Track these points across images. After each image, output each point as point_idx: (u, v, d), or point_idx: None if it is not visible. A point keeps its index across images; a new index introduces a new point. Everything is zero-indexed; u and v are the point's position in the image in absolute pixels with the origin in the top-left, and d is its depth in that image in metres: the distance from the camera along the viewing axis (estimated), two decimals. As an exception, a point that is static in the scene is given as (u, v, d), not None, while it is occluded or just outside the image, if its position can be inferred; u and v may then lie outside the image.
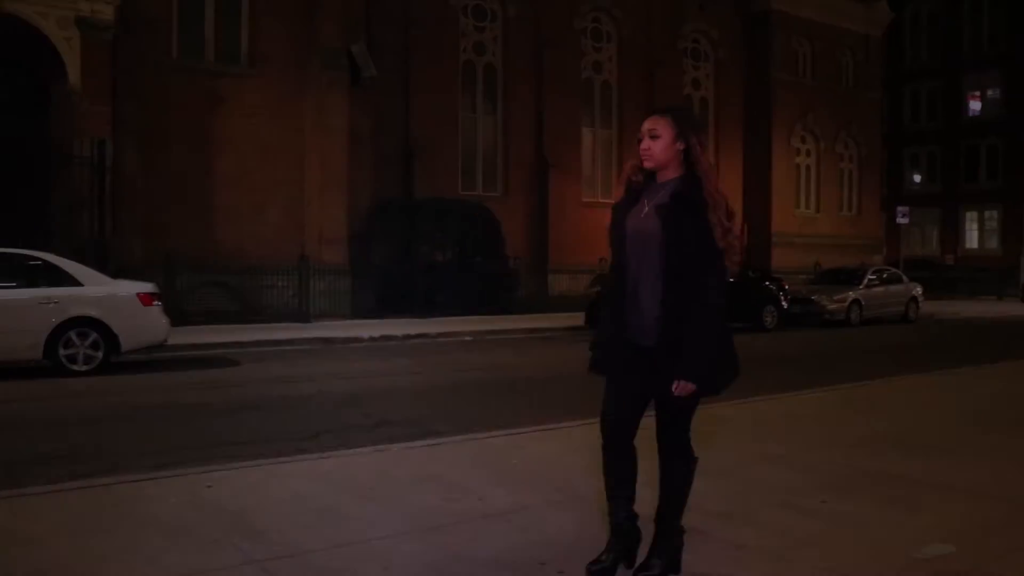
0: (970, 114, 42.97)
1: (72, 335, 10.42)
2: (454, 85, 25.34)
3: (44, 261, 10.69)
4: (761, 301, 18.91)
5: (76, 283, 10.59)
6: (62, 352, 10.38)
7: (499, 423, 7.09)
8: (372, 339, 14.69)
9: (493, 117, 26.35)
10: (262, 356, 12.62)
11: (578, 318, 17.60)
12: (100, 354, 10.56)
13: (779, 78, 31.85)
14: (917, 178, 44.70)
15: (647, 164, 3.32)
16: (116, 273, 12.62)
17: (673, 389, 3.18)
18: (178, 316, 13.62)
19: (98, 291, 10.69)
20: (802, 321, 19.97)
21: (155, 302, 11.00)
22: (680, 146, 3.27)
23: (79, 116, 16.77)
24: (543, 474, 5.17)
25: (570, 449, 5.83)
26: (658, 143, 3.29)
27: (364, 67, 19.81)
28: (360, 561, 3.60)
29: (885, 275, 22.81)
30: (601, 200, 27.71)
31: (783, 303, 19.44)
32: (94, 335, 10.51)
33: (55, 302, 10.35)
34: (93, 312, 10.50)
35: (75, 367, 10.42)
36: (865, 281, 21.54)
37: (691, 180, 3.27)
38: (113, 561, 3.60)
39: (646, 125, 3.33)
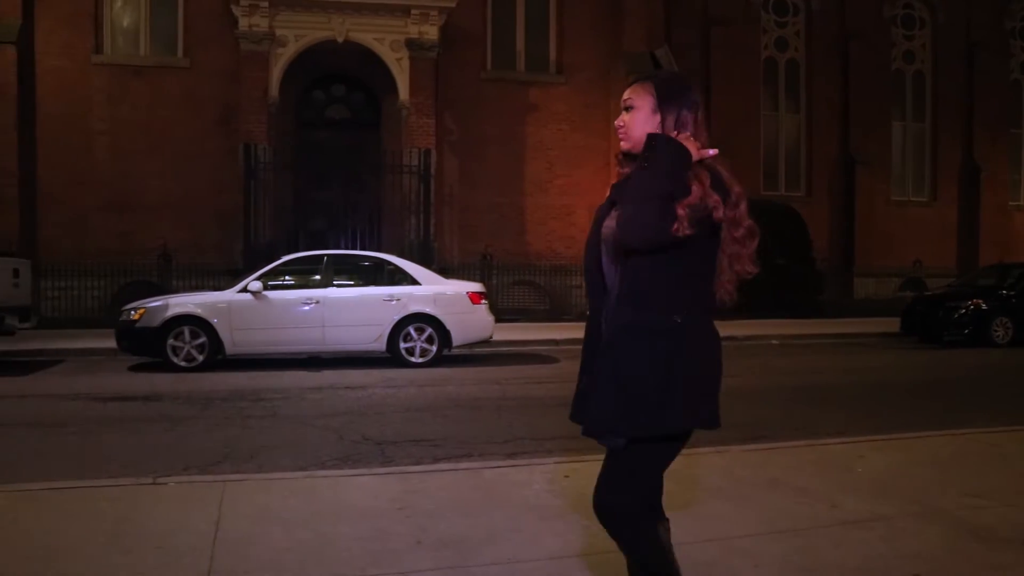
0: None
1: (411, 330, 11.51)
2: (755, 83, 24.85)
3: (388, 262, 11.93)
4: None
5: (415, 282, 11.67)
6: (402, 345, 11.50)
7: (827, 430, 7.02)
8: (678, 340, 14.83)
9: (796, 115, 25.55)
10: (577, 354, 13.02)
11: (889, 323, 16.74)
12: (434, 348, 11.56)
13: None
14: None
15: (623, 144, 2.61)
16: (438, 272, 13.70)
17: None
18: (493, 313, 14.51)
19: (433, 290, 11.71)
20: None
21: (482, 301, 11.87)
22: (659, 118, 2.52)
23: (407, 128, 18.39)
24: (891, 484, 5.06)
25: (914, 460, 5.68)
26: (634, 117, 2.56)
27: (668, 70, 20.00)
28: (730, 557, 3.76)
29: None
30: (913, 198, 26.16)
31: None
32: (429, 330, 11.54)
33: (397, 299, 11.48)
34: (429, 309, 11.52)
35: (412, 359, 11.49)
36: None
37: None
38: (503, 539, 4.01)
39: (624, 96, 2.61)
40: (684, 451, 6.19)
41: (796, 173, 25.42)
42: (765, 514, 4.42)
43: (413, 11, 18.19)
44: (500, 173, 19.87)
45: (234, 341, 11.23)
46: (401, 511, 4.48)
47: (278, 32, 17.95)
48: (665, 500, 4.46)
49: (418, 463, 5.90)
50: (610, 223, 2.56)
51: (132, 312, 11.29)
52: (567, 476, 5.14)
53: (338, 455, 6.26)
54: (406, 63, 18.34)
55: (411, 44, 18.25)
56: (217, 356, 11.27)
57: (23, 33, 17.97)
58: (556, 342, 14.03)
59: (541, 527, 4.17)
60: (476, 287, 12.17)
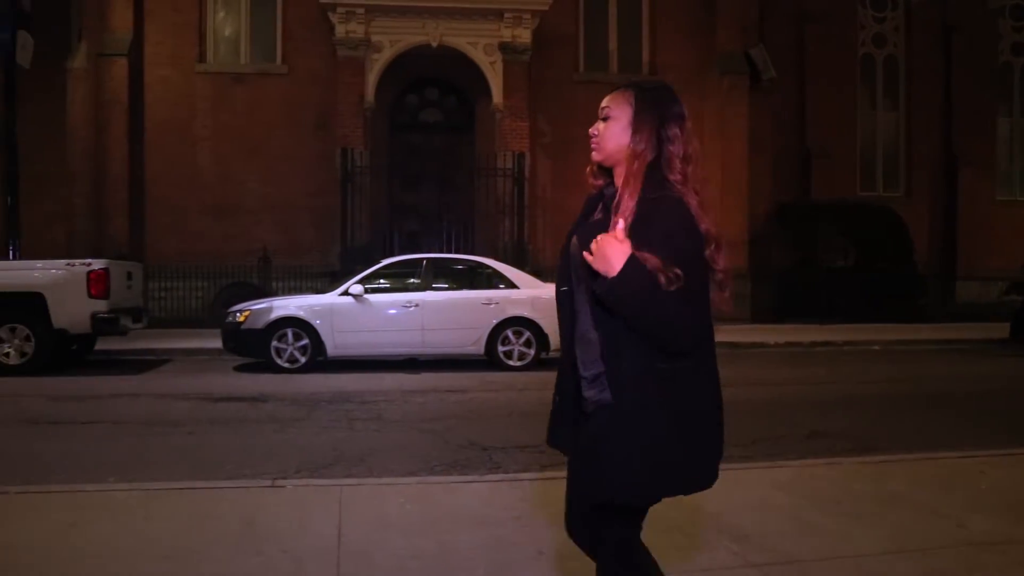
0: None
1: (509, 333, 11.58)
2: (852, 81, 24.21)
3: (486, 265, 12.05)
4: None
5: (512, 286, 11.74)
6: (500, 349, 11.57)
7: (942, 441, 6.79)
8: (777, 345, 14.58)
9: (894, 113, 24.80)
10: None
11: (995, 328, 16.16)
12: (532, 352, 11.60)
13: None
14: None
15: (595, 156, 2.42)
16: (532, 275, 13.73)
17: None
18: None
19: (530, 294, 11.75)
20: None
21: (579, 305, 11.86)
22: (632, 132, 2.33)
23: (500, 131, 18.47)
24: (1021, 503, 4.88)
25: (1041, 478, 5.47)
26: (609, 128, 2.37)
27: (764, 70, 19.68)
28: (857, 577, 3.69)
29: None
30: (1020, 199, 25.12)
31: None
32: (527, 334, 11.59)
33: (495, 303, 11.57)
34: (527, 313, 11.57)
35: (510, 363, 11.55)
36: None
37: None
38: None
39: (602, 103, 2.41)
40: (794, 463, 6.08)
41: (895, 173, 24.68)
42: (889, 532, 4.30)
43: (506, 15, 18.26)
44: (591, 175, 19.81)
45: (335, 343, 11.46)
46: (518, 520, 4.51)
47: (374, 38, 18.23)
48: (784, 513, 4.37)
49: (526, 470, 5.93)
50: (575, 245, 2.38)
51: (237, 315, 11.62)
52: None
53: (446, 460, 6.32)
54: (499, 66, 18.43)
55: (504, 48, 18.34)
56: (318, 358, 11.50)
57: (134, 46, 18.70)
58: (650, 346, 13.89)
59: (661, 541, 4.13)
60: (573, 291, 12.18)
